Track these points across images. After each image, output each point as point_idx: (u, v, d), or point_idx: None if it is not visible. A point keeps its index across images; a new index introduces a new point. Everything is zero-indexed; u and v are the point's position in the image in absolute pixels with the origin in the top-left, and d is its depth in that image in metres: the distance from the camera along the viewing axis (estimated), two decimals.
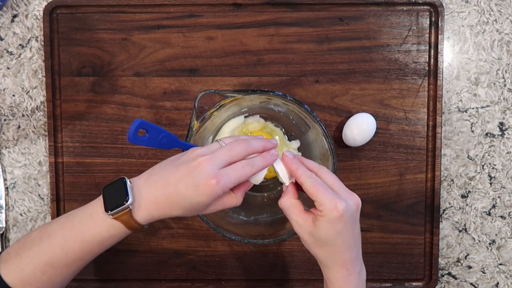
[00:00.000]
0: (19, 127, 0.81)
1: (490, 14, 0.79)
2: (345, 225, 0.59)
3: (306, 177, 0.61)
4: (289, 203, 0.62)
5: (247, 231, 0.72)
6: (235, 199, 0.63)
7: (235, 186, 0.62)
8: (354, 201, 0.60)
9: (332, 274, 0.61)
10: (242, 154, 0.62)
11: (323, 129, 0.68)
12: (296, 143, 0.76)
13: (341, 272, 0.61)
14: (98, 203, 0.62)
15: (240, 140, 0.63)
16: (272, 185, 0.78)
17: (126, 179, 0.62)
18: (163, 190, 0.61)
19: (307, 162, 0.64)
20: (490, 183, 0.81)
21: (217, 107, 0.68)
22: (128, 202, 0.60)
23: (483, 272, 0.82)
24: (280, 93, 0.69)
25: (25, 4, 0.80)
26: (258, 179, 0.65)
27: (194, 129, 0.67)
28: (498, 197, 0.81)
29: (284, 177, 0.64)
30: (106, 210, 0.61)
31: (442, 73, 0.77)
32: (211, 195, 0.59)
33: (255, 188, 0.77)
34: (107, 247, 0.64)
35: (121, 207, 0.60)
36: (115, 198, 0.61)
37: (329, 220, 0.58)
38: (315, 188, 0.60)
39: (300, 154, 0.76)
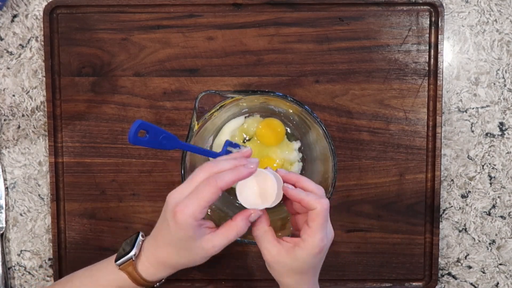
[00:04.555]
0: (19, 127, 0.81)
1: (490, 14, 0.79)
2: (322, 256, 0.61)
3: (316, 199, 0.59)
4: (263, 231, 0.61)
5: (247, 231, 0.72)
6: (235, 228, 0.60)
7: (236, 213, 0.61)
8: (332, 233, 0.61)
9: None
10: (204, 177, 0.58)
11: (323, 129, 0.68)
12: (297, 144, 0.76)
13: None
14: (115, 256, 0.64)
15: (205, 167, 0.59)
16: None
17: (141, 234, 0.64)
18: (154, 237, 0.63)
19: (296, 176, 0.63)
20: (490, 183, 0.81)
21: (218, 107, 0.68)
22: (131, 254, 0.62)
23: (483, 272, 0.82)
24: (280, 94, 0.69)
25: (25, 4, 0.80)
26: (264, 201, 0.61)
27: (194, 130, 0.67)
28: (498, 197, 0.81)
29: (251, 198, 0.61)
30: (115, 261, 0.63)
31: (442, 73, 0.77)
32: (185, 227, 0.57)
33: None
34: None
35: (124, 258, 0.62)
36: (125, 250, 0.63)
37: (310, 254, 0.59)
38: (320, 217, 0.58)
39: (301, 155, 0.76)
